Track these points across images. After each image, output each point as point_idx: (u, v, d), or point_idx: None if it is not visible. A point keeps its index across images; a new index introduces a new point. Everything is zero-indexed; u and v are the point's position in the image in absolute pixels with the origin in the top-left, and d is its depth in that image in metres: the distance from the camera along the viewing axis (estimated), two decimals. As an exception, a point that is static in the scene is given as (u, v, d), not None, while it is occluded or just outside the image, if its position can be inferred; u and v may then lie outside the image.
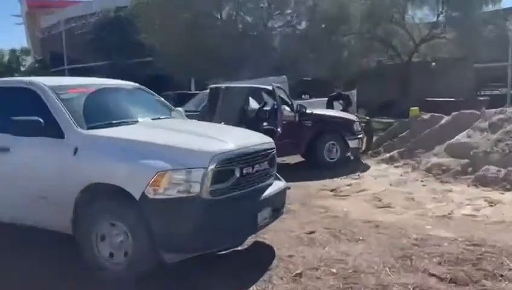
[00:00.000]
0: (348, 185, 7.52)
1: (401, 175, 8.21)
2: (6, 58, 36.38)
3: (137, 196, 3.46)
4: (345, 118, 9.76)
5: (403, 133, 10.29)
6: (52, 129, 3.91)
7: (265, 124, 10.18)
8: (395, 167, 8.98)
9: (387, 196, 6.62)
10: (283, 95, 9.40)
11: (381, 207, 6.08)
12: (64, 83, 4.62)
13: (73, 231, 3.88)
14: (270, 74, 19.28)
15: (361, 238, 4.73)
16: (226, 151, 3.73)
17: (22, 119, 3.86)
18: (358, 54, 23.33)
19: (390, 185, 7.43)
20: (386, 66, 26.85)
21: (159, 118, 4.77)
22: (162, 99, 5.53)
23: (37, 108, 4.06)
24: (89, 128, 3.96)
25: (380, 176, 8.28)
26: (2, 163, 4.20)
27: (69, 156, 3.80)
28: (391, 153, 9.67)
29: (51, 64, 36.24)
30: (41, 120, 3.86)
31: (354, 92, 20.38)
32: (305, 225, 5.24)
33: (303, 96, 17.19)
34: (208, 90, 10.78)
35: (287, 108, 9.32)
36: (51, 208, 3.93)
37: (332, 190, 7.23)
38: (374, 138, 10.83)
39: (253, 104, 11.44)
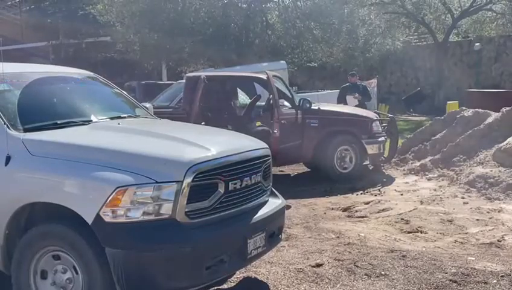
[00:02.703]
0: (365, 203, 7.56)
1: (435, 190, 8.27)
2: None
3: (89, 220, 3.45)
4: (362, 116, 9.82)
5: (438, 135, 10.36)
6: (-23, 132, 3.89)
7: (258, 124, 10.24)
8: (428, 179, 9.05)
9: (416, 218, 6.66)
10: (281, 86, 9.44)
11: (409, 232, 6.12)
12: (-7, 70, 4.59)
13: (4, 265, 3.86)
14: (264, 59, 19.37)
15: (383, 272, 4.75)
16: (207, 160, 3.73)
17: None
18: (379, 31, 23.47)
19: (421, 203, 7.48)
20: (416, 47, 27.11)
21: (119, 117, 4.76)
22: (123, 92, 5.53)
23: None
24: (25, 130, 3.95)
25: (407, 191, 8.33)
26: None
27: (-2, 167, 3.77)
28: (422, 161, 9.73)
29: (-25, 46, 36.01)
30: (-38, 120, 3.85)
31: (374, 81, 20.52)
32: (309, 255, 5.26)
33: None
34: (183, 81, 10.78)
35: (287, 103, 9.36)
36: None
37: (345, 210, 7.27)
38: (400, 142, 10.89)
39: (243, 98, 11.49)
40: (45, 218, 3.71)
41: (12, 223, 3.76)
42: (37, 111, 4.33)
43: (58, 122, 4.21)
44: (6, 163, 3.76)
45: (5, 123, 3.91)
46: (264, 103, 10.21)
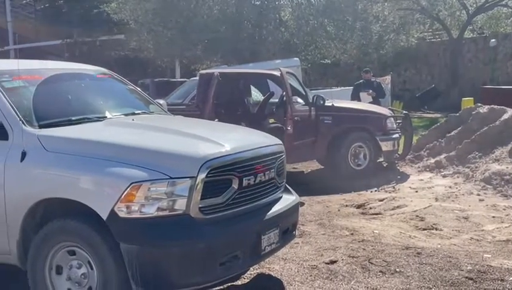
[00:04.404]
0: (380, 200, 7.53)
1: (450, 187, 8.21)
2: None
3: (104, 215, 3.47)
4: (375, 113, 9.78)
5: (453, 132, 10.27)
6: (-8, 128, 3.92)
7: (271, 121, 10.24)
8: (443, 176, 8.98)
9: (432, 215, 6.62)
10: (295, 83, 9.43)
11: (424, 229, 6.07)
12: (9, 67, 4.63)
13: (21, 261, 3.89)
14: (277, 56, 19.35)
15: (397, 269, 4.72)
16: (221, 155, 3.74)
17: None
18: (393, 28, 23.32)
19: (436, 200, 7.43)
20: (430, 44, 26.90)
21: (133, 114, 4.79)
22: (138, 89, 5.56)
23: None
24: (40, 126, 3.97)
25: (422, 188, 8.28)
26: None
27: (14, 162, 3.81)
28: (437, 158, 9.66)
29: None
30: (-22, 116, 3.87)
31: (388, 78, 20.42)
32: (323, 252, 5.25)
33: None
34: (197, 78, 10.81)
35: (300, 100, 9.34)
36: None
37: (359, 207, 7.25)
38: (415, 139, 10.83)
39: (256, 95, 11.50)
40: (60, 214, 3.72)
41: (28, 218, 3.79)
42: (52, 107, 4.36)
43: (73, 118, 4.24)
44: (22, 159, 3.79)
45: (20, 120, 3.93)
46: (277, 100, 10.22)
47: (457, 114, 11.18)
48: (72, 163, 3.66)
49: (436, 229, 6.05)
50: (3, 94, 4.04)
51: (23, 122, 3.92)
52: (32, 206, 3.75)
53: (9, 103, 3.99)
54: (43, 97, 4.32)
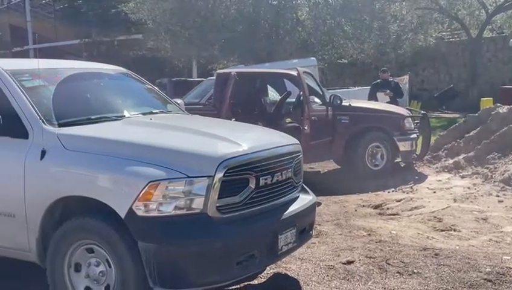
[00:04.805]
0: (397, 201, 7.48)
1: (469, 188, 8.13)
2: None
3: (122, 213, 3.49)
4: (393, 113, 9.73)
5: (472, 133, 10.19)
6: (13, 126, 3.96)
7: (288, 120, 10.24)
8: (461, 177, 8.91)
9: (450, 216, 6.56)
10: (311, 83, 9.41)
11: (442, 230, 6.03)
12: (29, 66, 4.69)
13: (40, 258, 3.94)
14: (294, 56, 19.32)
15: (415, 270, 4.69)
16: (238, 155, 3.74)
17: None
18: (411, 28, 23.16)
19: (455, 201, 7.37)
20: (449, 43, 26.67)
21: (151, 113, 4.81)
22: (155, 88, 5.59)
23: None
24: (60, 125, 4.01)
25: (440, 188, 8.21)
26: None
27: (34, 161, 3.85)
28: (456, 159, 9.59)
29: (11, 43, 36.85)
30: (-1, 115, 3.92)
31: (406, 78, 20.29)
32: (340, 252, 5.23)
33: None
34: (214, 78, 10.83)
35: (317, 99, 9.33)
36: (9, 228, 3.99)
37: (376, 207, 7.21)
38: (433, 139, 10.75)
39: (273, 94, 11.50)
40: (79, 212, 3.76)
41: (47, 216, 3.82)
42: (71, 106, 4.40)
43: (92, 117, 4.27)
44: (42, 157, 3.83)
45: (40, 118, 3.97)
46: (294, 100, 10.21)
47: (476, 114, 11.10)
48: (90, 161, 3.69)
49: (455, 230, 6.00)
50: (23, 93, 4.08)
51: (43, 121, 3.96)
52: (51, 204, 3.78)
53: (29, 102, 4.04)
54: (62, 96, 4.35)
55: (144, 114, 4.74)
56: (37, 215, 3.82)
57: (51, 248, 3.81)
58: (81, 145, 3.81)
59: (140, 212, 3.46)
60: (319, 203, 4.87)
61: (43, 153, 3.83)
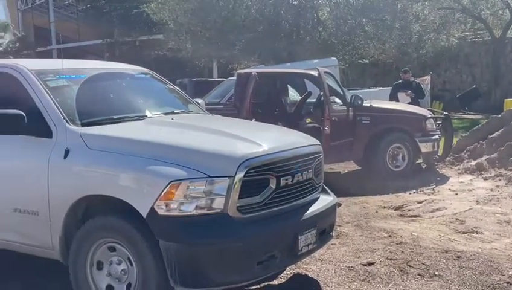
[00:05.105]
0: (418, 203, 7.42)
1: (491, 190, 8.03)
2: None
3: (144, 212, 3.52)
4: (415, 113, 9.65)
5: (495, 134, 10.07)
6: (37, 126, 4.03)
7: (308, 120, 10.21)
8: (484, 178, 8.80)
9: (472, 218, 6.48)
10: (332, 83, 9.38)
11: (464, 232, 5.96)
12: (53, 67, 4.74)
13: (63, 256, 3.99)
14: (315, 56, 19.27)
15: (436, 273, 4.65)
16: (259, 155, 3.75)
17: (-2, 112, 3.99)
18: (433, 28, 22.94)
19: (477, 203, 7.27)
20: (471, 44, 26.35)
21: (173, 113, 4.84)
22: (177, 88, 5.62)
23: (18, 99, 4.20)
24: (83, 125, 4.06)
25: (462, 190, 8.13)
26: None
27: (57, 160, 3.90)
28: (478, 161, 9.48)
29: (35, 43, 37.38)
30: (24, 114, 3.97)
31: (428, 78, 20.12)
32: (361, 253, 5.21)
33: None
34: (234, 78, 10.87)
35: (338, 100, 9.29)
36: (33, 226, 4.05)
37: (397, 208, 7.16)
38: (455, 140, 10.65)
39: (293, 94, 11.48)
40: (102, 210, 3.81)
41: (70, 214, 3.88)
42: (94, 106, 4.46)
43: (114, 117, 4.32)
44: (65, 156, 3.88)
45: (64, 118, 4.02)
46: (314, 100, 10.19)
47: (499, 115, 10.98)
48: (113, 161, 3.72)
49: (477, 232, 5.93)
50: (48, 93, 4.15)
51: (66, 121, 4.01)
52: (74, 203, 3.83)
53: (53, 101, 4.09)
54: (85, 96, 4.42)
55: (165, 114, 4.77)
56: (60, 213, 3.87)
57: (73, 246, 3.86)
58: (104, 144, 3.85)
59: (161, 212, 3.48)
60: (339, 204, 4.86)
61: (67, 152, 3.88)
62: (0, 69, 4.56)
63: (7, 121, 3.95)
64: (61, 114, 4.03)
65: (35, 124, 4.01)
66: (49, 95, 4.13)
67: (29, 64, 4.47)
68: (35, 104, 4.11)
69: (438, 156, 9.82)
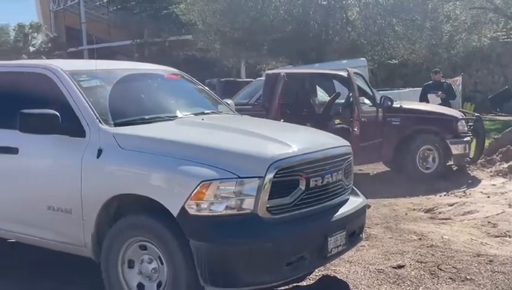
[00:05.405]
0: (449, 205, 7.33)
1: (525, 193, 7.89)
2: (11, 35, 38.46)
3: (174, 212, 3.56)
4: (446, 115, 9.55)
5: (528, 136, 9.89)
6: (71, 126, 4.10)
7: (337, 121, 10.17)
8: (517, 181, 8.65)
9: (505, 221, 6.38)
10: (361, 84, 9.33)
11: (496, 236, 5.88)
12: (86, 67, 4.85)
13: (95, 254, 4.05)
14: (343, 57, 19.17)
15: (468, 277, 4.59)
16: (288, 156, 3.75)
17: (33, 112, 4.05)
18: (465, 28, 22.57)
19: (510, 206, 7.15)
20: (504, 44, 25.84)
21: (203, 113, 4.88)
22: (207, 89, 5.66)
23: (53, 99, 4.28)
24: (116, 125, 4.13)
25: (494, 193, 8.00)
26: (9, 168, 4.47)
27: (90, 159, 3.96)
28: (511, 163, 9.31)
29: (67, 43, 38.01)
30: (58, 114, 4.05)
31: (459, 79, 19.83)
32: (390, 256, 5.17)
33: None
34: (263, 78, 10.88)
35: (367, 101, 9.23)
36: (66, 224, 4.13)
37: (427, 211, 7.09)
38: (487, 142, 10.47)
39: (322, 95, 11.45)
40: (133, 209, 3.86)
41: (102, 213, 3.93)
42: (127, 106, 4.53)
43: (146, 117, 4.38)
44: (98, 156, 3.94)
45: (97, 118, 4.09)
46: (343, 101, 10.14)
47: (533, 117, 10.77)
48: (145, 161, 3.77)
49: (510, 236, 5.83)
50: (81, 93, 4.21)
51: (99, 121, 4.08)
52: (106, 202, 3.89)
53: (87, 101, 4.16)
54: (118, 96, 4.49)
55: (195, 114, 4.81)
56: (93, 211, 3.94)
57: (105, 243, 3.92)
58: (136, 144, 3.90)
59: (192, 211, 3.51)
60: (368, 206, 4.83)
61: (100, 151, 3.95)
62: (35, 69, 4.65)
63: (42, 120, 4.02)
64: (95, 114, 4.10)
65: (69, 124, 4.08)
66: (83, 96, 4.19)
67: (64, 65, 4.55)
68: (69, 105, 4.19)
69: (470, 158, 9.68)
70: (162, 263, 3.69)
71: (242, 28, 20.53)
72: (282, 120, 8.24)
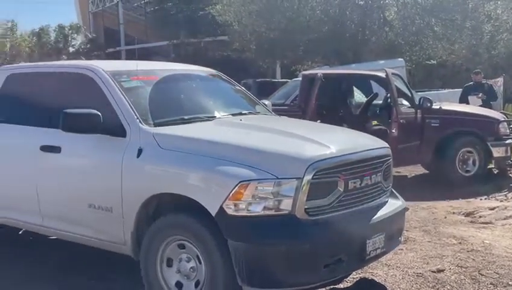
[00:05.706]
0: (490, 209, 7.18)
1: None
2: (52, 36, 39.31)
3: (213, 211, 3.59)
4: (487, 116, 9.37)
5: None
6: (112, 125, 4.18)
7: (374, 123, 10.08)
8: (562, 185, 8.43)
9: (549, 227, 6.22)
10: (400, 85, 9.23)
11: (540, 241, 5.73)
12: (127, 68, 4.94)
13: (134, 252, 4.12)
14: (381, 57, 18.98)
15: (510, 283, 4.49)
16: (327, 157, 3.75)
17: (76, 112, 4.15)
18: (506, 27, 22.07)
19: (553, 211, 6.97)
20: (548, 44, 25.14)
21: (241, 114, 4.91)
22: (244, 89, 5.68)
23: (94, 99, 4.39)
24: (155, 125, 4.19)
25: (537, 197, 7.81)
26: (52, 167, 4.59)
27: (131, 158, 4.03)
28: (554, 167, 9.07)
29: (105, 44, 38.67)
30: (100, 114, 4.13)
31: (500, 80, 19.37)
32: (429, 260, 5.09)
33: None
34: (299, 79, 10.87)
35: (405, 102, 9.13)
36: (106, 222, 4.22)
37: (467, 215, 6.96)
38: (530, 145, 10.21)
39: (359, 96, 11.36)
40: (172, 208, 3.91)
41: (142, 211, 4.00)
42: (166, 107, 4.59)
43: (185, 117, 4.43)
44: (138, 155, 4.01)
45: (137, 118, 4.16)
46: (380, 102, 10.05)
47: None
48: (184, 160, 3.81)
49: (553, 242, 5.69)
50: (122, 94, 4.30)
51: (140, 121, 4.15)
52: (146, 200, 3.95)
53: (127, 102, 4.24)
54: (158, 97, 4.56)
55: (233, 115, 4.85)
56: (133, 210, 4.01)
57: (144, 242, 3.98)
58: (175, 144, 3.95)
59: (230, 211, 3.54)
60: (407, 209, 4.78)
61: (140, 151, 4.01)
62: (77, 70, 4.77)
63: (84, 120, 4.12)
64: (135, 114, 4.17)
65: (110, 124, 4.16)
66: (124, 96, 4.28)
67: (105, 66, 4.65)
68: (110, 105, 4.27)
69: (511, 161, 9.47)
70: (200, 262, 3.73)
71: (278, 28, 20.55)
72: (318, 121, 8.21)
